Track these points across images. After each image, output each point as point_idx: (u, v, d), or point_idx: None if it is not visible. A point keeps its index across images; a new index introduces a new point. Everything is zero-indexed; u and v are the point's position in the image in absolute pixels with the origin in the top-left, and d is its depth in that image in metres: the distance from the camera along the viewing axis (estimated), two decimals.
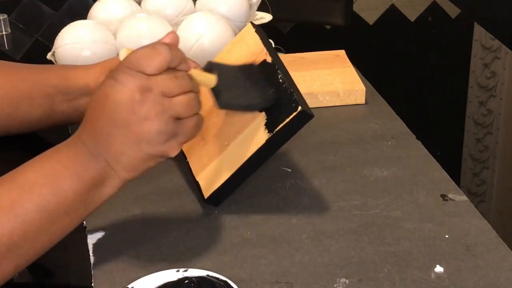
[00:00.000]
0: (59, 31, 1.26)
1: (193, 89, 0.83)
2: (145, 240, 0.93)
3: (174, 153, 0.82)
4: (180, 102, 0.80)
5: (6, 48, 1.49)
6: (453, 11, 1.80)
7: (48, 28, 1.53)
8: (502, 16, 1.65)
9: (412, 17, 1.80)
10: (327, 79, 1.24)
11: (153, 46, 0.80)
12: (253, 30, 1.01)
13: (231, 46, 1.03)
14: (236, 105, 0.92)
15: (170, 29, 1.26)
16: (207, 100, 0.90)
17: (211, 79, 0.87)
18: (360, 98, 1.22)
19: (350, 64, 1.29)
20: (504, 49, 1.89)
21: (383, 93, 1.26)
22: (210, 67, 0.89)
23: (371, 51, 1.77)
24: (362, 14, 1.77)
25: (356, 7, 1.75)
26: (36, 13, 1.55)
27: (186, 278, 0.83)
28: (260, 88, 0.93)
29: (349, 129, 1.16)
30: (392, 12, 1.79)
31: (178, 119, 0.81)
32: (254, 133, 0.93)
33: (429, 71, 1.84)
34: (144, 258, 0.90)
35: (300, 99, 0.92)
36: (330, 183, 1.03)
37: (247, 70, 0.95)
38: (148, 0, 1.34)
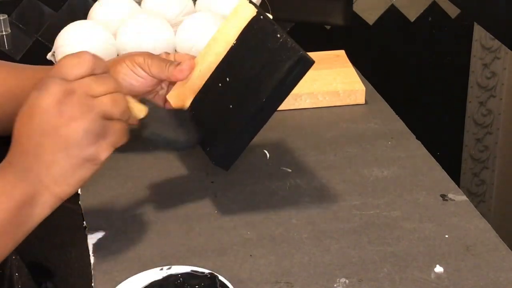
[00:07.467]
0: (59, 31, 1.26)
1: (119, 89, 0.82)
2: (145, 240, 0.93)
3: (104, 155, 0.80)
4: (105, 100, 0.80)
5: (6, 48, 1.49)
6: (453, 11, 1.80)
7: (48, 28, 1.53)
8: (502, 16, 1.65)
9: (412, 17, 1.80)
10: (327, 79, 1.24)
11: (77, 54, 0.80)
12: (247, 1, 1.00)
13: (226, 24, 1.01)
14: (160, 139, 0.93)
15: (170, 29, 1.26)
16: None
17: (142, 110, 0.88)
18: (360, 98, 1.22)
19: (350, 64, 1.29)
20: (504, 49, 1.90)
21: (383, 93, 1.26)
22: (144, 101, 0.91)
23: (371, 51, 1.77)
24: (362, 14, 1.77)
25: (356, 7, 1.75)
26: (36, 13, 1.55)
27: (170, 275, 0.82)
28: (187, 130, 0.96)
29: (349, 129, 1.16)
30: (392, 12, 1.79)
31: (105, 119, 0.80)
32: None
33: (429, 71, 1.84)
34: (144, 258, 0.90)
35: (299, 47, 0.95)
36: (330, 183, 1.03)
37: (178, 114, 0.98)
38: (148, 0, 1.34)
